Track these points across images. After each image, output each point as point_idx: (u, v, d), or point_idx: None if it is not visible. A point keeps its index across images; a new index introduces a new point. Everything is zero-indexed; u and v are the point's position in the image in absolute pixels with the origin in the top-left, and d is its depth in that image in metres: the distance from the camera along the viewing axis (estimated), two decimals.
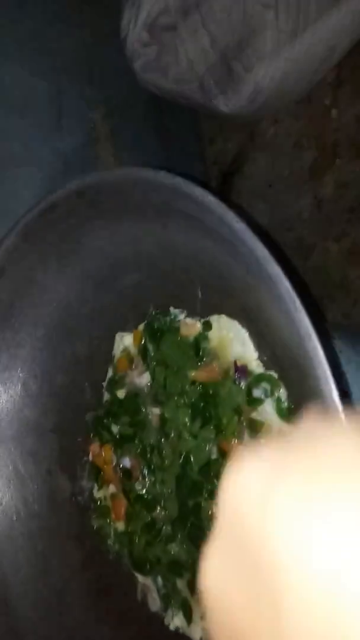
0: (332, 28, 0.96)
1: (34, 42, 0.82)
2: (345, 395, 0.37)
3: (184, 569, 0.57)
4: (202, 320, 0.55)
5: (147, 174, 0.43)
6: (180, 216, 0.46)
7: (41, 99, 0.86)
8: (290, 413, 0.46)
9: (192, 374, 0.55)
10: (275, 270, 0.38)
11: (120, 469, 0.63)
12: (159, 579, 0.59)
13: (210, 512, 0.52)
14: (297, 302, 0.36)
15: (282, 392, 0.47)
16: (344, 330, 0.77)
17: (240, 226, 0.39)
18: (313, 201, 1.02)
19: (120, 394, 0.64)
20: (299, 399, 0.44)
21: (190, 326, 0.56)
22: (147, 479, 0.60)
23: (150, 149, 1.08)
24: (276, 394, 0.47)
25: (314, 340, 0.35)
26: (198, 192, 0.40)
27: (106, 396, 0.66)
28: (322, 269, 1.01)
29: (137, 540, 0.60)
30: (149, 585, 0.61)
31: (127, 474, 0.62)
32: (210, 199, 0.39)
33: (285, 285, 0.37)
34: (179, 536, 0.56)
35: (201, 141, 1.24)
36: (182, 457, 0.55)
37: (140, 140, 1.06)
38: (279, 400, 0.47)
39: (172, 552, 0.57)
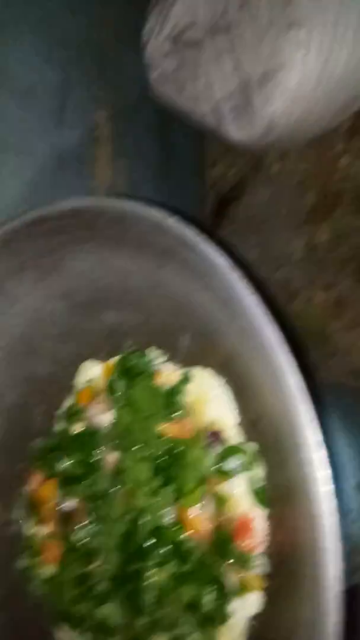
0: (358, 77, 0.93)
1: (50, 30, 0.76)
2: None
3: (115, 633, 0.52)
4: (183, 371, 0.51)
5: (156, 216, 0.39)
6: (180, 263, 0.41)
7: (47, 89, 0.80)
8: (262, 496, 0.42)
9: (161, 426, 0.50)
10: (270, 337, 0.34)
11: (61, 509, 0.57)
12: (86, 637, 0.54)
13: (151, 583, 0.48)
14: (288, 367, 0.33)
15: (259, 470, 0.43)
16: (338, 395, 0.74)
17: (249, 299, 0.35)
18: (306, 245, 0.99)
19: (76, 427, 0.59)
20: (279, 484, 0.40)
21: (168, 374, 0.51)
22: (90, 527, 0.55)
23: (149, 161, 1.03)
24: (252, 471, 0.43)
25: (302, 414, 0.32)
26: (208, 249, 0.35)
27: (59, 426, 0.61)
28: (303, 316, 0.98)
29: (67, 591, 0.55)
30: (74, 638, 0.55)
31: (68, 517, 0.56)
32: (220, 260, 0.35)
33: (277, 350, 0.33)
34: (115, 598, 0.51)
35: (203, 161, 1.20)
36: (134, 513, 0.51)
37: (141, 149, 1.01)
38: (253, 478, 0.43)
39: (104, 614, 0.52)
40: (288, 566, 0.38)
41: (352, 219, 0.97)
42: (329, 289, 0.97)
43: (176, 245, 0.38)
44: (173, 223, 0.37)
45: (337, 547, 0.30)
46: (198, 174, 1.16)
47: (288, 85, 0.85)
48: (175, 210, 0.39)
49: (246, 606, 0.42)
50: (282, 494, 0.38)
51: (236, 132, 0.92)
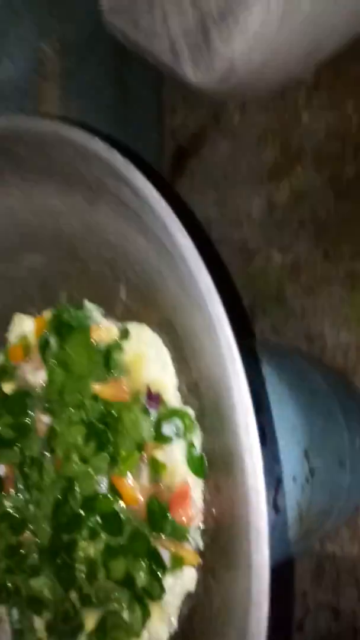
0: (324, 23, 0.88)
1: None
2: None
3: (45, 608, 0.48)
4: (121, 327, 0.46)
5: (80, 139, 0.33)
6: (113, 199, 0.36)
7: None
8: (200, 464, 0.38)
9: (96, 387, 0.45)
10: (206, 289, 0.29)
11: None
12: (15, 611, 0.50)
13: (84, 555, 0.44)
14: (222, 325, 0.28)
15: (197, 437, 0.39)
16: (273, 352, 0.71)
17: (184, 240, 0.30)
18: (266, 204, 0.94)
19: (7, 387, 0.54)
20: (216, 452, 0.36)
21: (105, 330, 0.46)
22: (20, 495, 0.51)
23: (103, 103, 0.95)
24: (189, 437, 0.39)
25: (236, 370, 0.28)
26: (139, 179, 0.30)
27: None
28: (260, 277, 0.94)
29: None
30: (2, 615, 0.52)
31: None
32: (151, 192, 0.30)
33: (217, 306, 0.29)
34: (46, 571, 0.47)
35: (162, 108, 1.13)
36: (66, 481, 0.46)
37: (94, 89, 0.93)
38: (191, 445, 0.39)
39: (35, 587, 0.48)
40: (224, 541, 0.34)
41: (312, 178, 0.93)
42: (287, 251, 0.92)
43: (106, 176, 0.33)
44: (101, 148, 0.31)
45: (263, 521, 0.27)
46: (156, 121, 1.09)
47: (249, 24, 0.79)
48: (127, 149, 0.34)
49: (181, 582, 0.38)
50: (218, 463, 0.35)
51: (195, 74, 0.86)
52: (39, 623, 0.49)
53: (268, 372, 0.52)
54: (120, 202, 0.35)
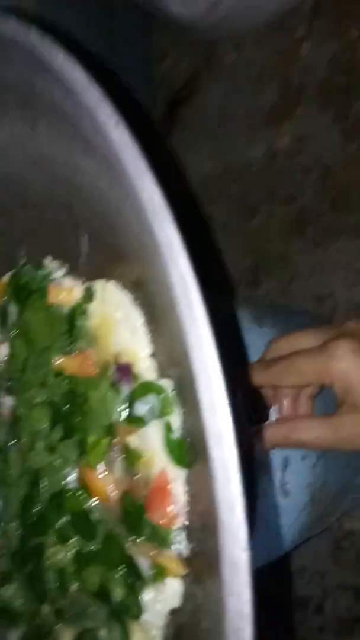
0: None
1: None
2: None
3: (19, 620, 0.41)
4: (85, 286, 0.38)
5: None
6: (49, 111, 0.27)
7: None
8: (180, 452, 0.30)
9: (59, 360, 0.37)
10: (168, 229, 0.21)
11: None
12: None
13: (52, 562, 0.37)
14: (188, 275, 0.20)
15: (175, 417, 0.31)
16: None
17: (133, 167, 0.21)
18: (266, 152, 0.84)
19: None
20: (197, 435, 0.28)
21: (66, 290, 0.38)
22: None
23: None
24: (167, 418, 0.31)
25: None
26: (64, 63, 0.21)
27: None
28: (263, 234, 0.85)
29: None
30: None
31: None
32: (76, 75, 0.21)
33: (168, 230, 0.21)
34: (18, 579, 0.40)
35: (150, 54, 1.03)
36: (32, 474, 0.39)
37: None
38: (168, 427, 0.31)
39: (5, 596, 0.41)
40: (212, 545, 0.26)
41: (315, 118, 0.83)
42: (290, 203, 0.83)
43: (37, 72, 0.24)
44: (17, 27, 0.23)
45: (237, 519, 0.19)
46: (145, 69, 1.00)
47: None
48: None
49: (164, 597, 0.31)
50: (200, 449, 0.27)
51: (181, 3, 0.76)
52: (13, 636, 0.42)
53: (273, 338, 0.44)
54: (57, 112, 0.27)
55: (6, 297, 0.43)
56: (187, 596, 0.29)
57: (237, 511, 0.17)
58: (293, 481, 0.45)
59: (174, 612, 0.30)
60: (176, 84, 1.02)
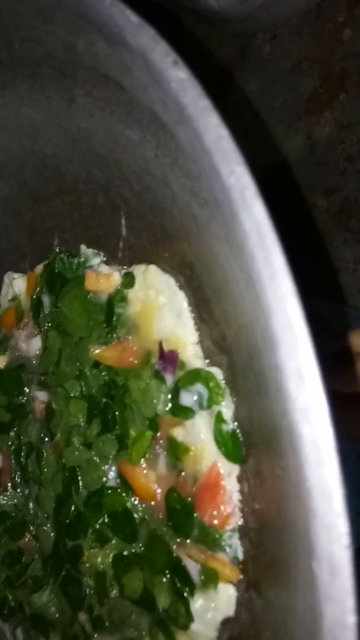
0: None
1: None
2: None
3: (52, 629, 0.39)
4: (124, 271, 0.36)
5: None
6: (89, 78, 0.25)
7: None
8: (234, 444, 0.27)
9: (96, 351, 0.35)
10: (245, 206, 0.18)
11: None
12: (19, 631, 0.41)
13: (90, 566, 0.34)
14: (275, 255, 0.17)
15: (227, 406, 0.28)
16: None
17: (195, 106, 0.19)
18: (306, 142, 0.81)
19: (1, 361, 0.44)
20: (254, 425, 0.25)
21: (104, 277, 0.36)
22: (18, 490, 0.41)
23: None
24: (216, 408, 0.28)
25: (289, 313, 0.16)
26: (112, 6, 0.19)
27: None
28: (304, 229, 0.82)
29: None
30: (7, 635, 0.43)
31: None
32: (133, 22, 0.19)
33: (256, 207, 0.18)
34: (51, 584, 0.38)
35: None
36: (68, 472, 0.37)
37: None
38: (219, 418, 0.28)
39: (38, 603, 0.39)
40: (272, 547, 0.24)
41: (358, 105, 0.79)
42: (332, 194, 0.80)
43: (79, 31, 0.22)
44: None
45: (336, 508, 0.16)
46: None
47: None
48: None
49: (215, 605, 0.28)
50: (259, 440, 0.24)
51: None
52: None
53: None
54: (98, 76, 0.24)
55: (39, 288, 0.41)
56: (243, 604, 0.27)
57: (335, 499, 0.15)
58: None
59: (227, 622, 0.27)
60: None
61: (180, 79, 0.18)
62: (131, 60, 0.20)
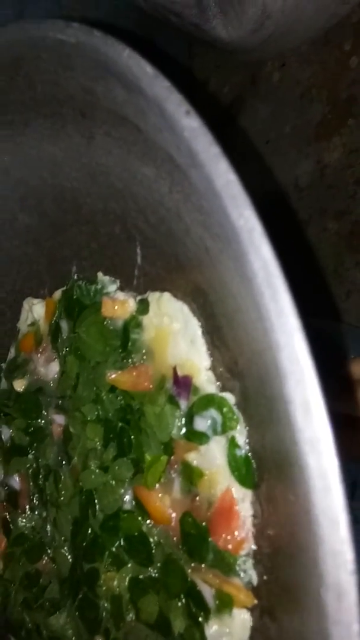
0: None
1: None
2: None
3: None
4: (138, 298, 0.37)
5: (52, 29, 0.24)
6: (108, 118, 0.27)
7: None
8: (247, 469, 0.28)
9: (112, 375, 0.36)
10: (251, 236, 0.19)
11: (5, 489, 0.45)
12: None
13: (106, 589, 0.35)
14: (279, 283, 0.18)
15: (241, 432, 0.29)
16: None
17: (206, 153, 0.20)
18: (315, 167, 0.83)
19: (19, 384, 0.45)
20: (267, 450, 0.26)
21: (119, 304, 0.37)
22: (36, 513, 0.42)
23: None
24: (230, 433, 0.29)
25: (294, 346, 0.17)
26: (130, 58, 0.21)
27: (3, 384, 0.48)
28: (315, 250, 0.83)
29: (13, 594, 0.43)
30: None
31: (14, 499, 0.44)
32: (149, 73, 0.20)
33: (265, 256, 0.19)
34: (68, 607, 0.39)
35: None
36: (85, 495, 0.37)
37: None
38: (233, 443, 0.29)
39: (55, 626, 0.39)
40: (286, 573, 0.24)
41: None
42: (342, 217, 0.81)
43: (92, 78, 0.24)
44: (78, 34, 0.22)
45: (342, 535, 0.16)
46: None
47: None
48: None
49: (230, 631, 0.28)
50: (271, 465, 0.25)
51: (225, 26, 0.76)
52: None
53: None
54: (116, 117, 0.26)
55: (57, 314, 0.43)
56: (258, 630, 0.27)
57: (341, 526, 0.15)
58: None
59: None
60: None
61: (192, 128, 0.20)
62: (147, 106, 0.21)
